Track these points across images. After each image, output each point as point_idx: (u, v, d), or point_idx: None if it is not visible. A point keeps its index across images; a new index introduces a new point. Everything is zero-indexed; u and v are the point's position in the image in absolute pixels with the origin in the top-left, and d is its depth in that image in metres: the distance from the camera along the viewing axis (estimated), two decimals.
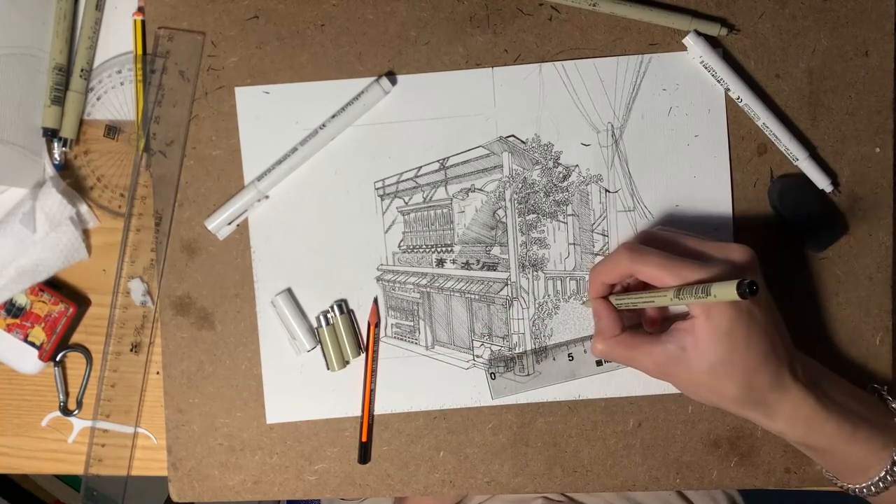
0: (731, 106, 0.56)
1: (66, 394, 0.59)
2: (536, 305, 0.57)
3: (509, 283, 0.57)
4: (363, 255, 0.57)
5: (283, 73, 0.56)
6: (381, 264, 0.57)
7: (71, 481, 1.20)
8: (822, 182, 0.55)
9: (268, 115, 0.56)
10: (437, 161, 0.56)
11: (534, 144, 0.56)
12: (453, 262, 0.57)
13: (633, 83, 0.56)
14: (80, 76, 0.57)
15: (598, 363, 0.57)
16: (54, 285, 0.58)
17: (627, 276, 0.50)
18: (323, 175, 0.56)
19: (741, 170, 0.56)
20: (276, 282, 0.56)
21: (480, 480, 0.57)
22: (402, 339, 0.57)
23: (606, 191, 0.56)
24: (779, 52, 0.55)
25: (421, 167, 0.56)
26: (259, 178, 0.56)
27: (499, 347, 0.57)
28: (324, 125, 0.55)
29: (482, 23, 0.56)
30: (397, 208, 0.56)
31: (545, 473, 0.57)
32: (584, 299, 0.56)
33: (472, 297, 0.57)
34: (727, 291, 0.41)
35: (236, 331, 0.57)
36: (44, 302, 0.57)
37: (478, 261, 0.57)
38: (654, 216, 0.56)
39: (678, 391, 0.52)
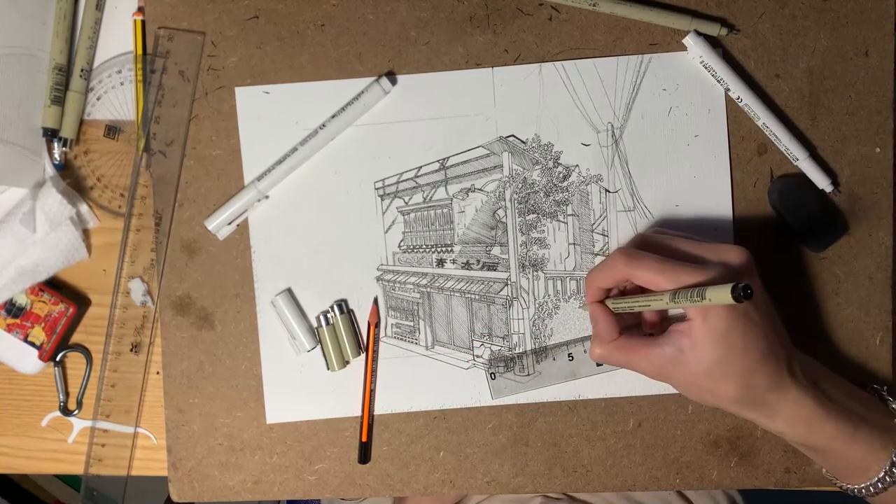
0: (731, 106, 0.56)
1: (66, 394, 0.59)
2: (536, 305, 0.57)
3: (509, 283, 0.57)
4: (363, 255, 0.57)
5: (283, 73, 0.56)
6: (381, 264, 0.57)
7: (71, 481, 1.20)
8: (822, 182, 0.55)
9: (268, 115, 0.56)
10: (437, 161, 0.56)
11: (534, 144, 0.56)
12: (453, 262, 0.57)
13: (633, 83, 0.56)
14: (80, 76, 0.57)
15: (599, 363, 0.57)
16: (54, 285, 0.58)
17: (623, 281, 0.50)
18: (323, 175, 0.56)
19: (741, 170, 0.56)
20: (276, 282, 0.56)
21: (480, 480, 0.57)
22: (402, 339, 0.57)
23: (606, 191, 0.56)
24: (779, 52, 0.55)
25: (421, 167, 0.56)
26: (259, 178, 0.56)
27: (499, 347, 0.57)
28: (324, 125, 0.55)
29: (482, 23, 0.56)
30: (397, 208, 0.56)
31: (545, 473, 0.57)
32: (581, 303, 0.56)
33: (472, 297, 0.57)
34: (722, 295, 0.41)
35: (236, 331, 0.57)
36: (44, 302, 0.57)
37: (478, 261, 0.57)
38: (654, 216, 0.56)
39: (678, 391, 0.52)
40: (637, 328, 0.53)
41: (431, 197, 0.57)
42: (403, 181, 0.56)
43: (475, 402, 0.57)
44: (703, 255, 0.48)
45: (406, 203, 0.57)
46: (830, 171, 0.56)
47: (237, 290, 0.56)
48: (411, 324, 0.57)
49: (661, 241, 0.50)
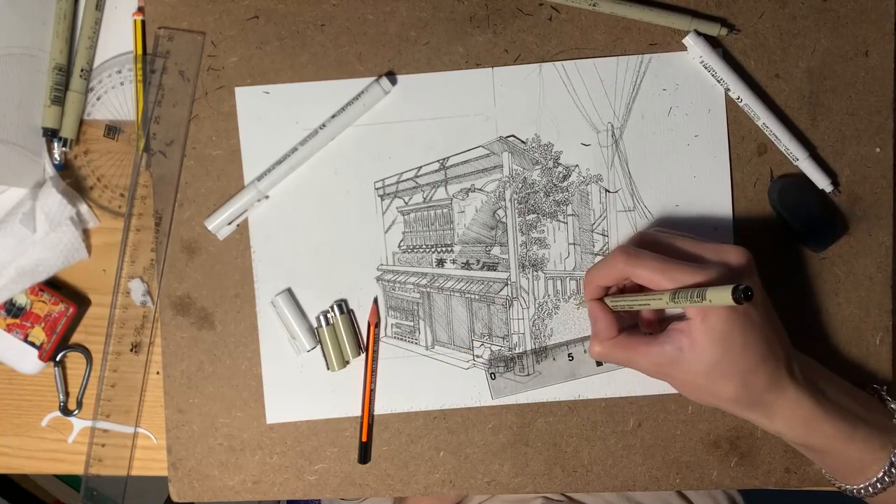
0: (731, 106, 0.56)
1: (66, 394, 0.59)
2: (536, 305, 0.57)
3: (509, 283, 0.57)
4: (363, 255, 0.57)
5: (283, 73, 0.56)
6: (381, 264, 0.57)
7: (71, 481, 1.20)
8: (822, 182, 0.55)
9: (268, 115, 0.56)
10: (437, 161, 0.56)
11: (534, 144, 0.56)
12: (453, 262, 0.57)
13: (633, 83, 0.56)
14: (80, 76, 0.57)
15: (598, 363, 0.57)
16: (54, 285, 0.58)
17: (623, 279, 0.50)
18: (323, 175, 0.56)
19: (741, 170, 0.56)
20: (276, 282, 0.56)
21: (480, 480, 0.57)
22: (402, 339, 0.57)
23: (606, 191, 0.56)
24: (779, 52, 0.55)
25: (421, 167, 0.56)
26: (259, 178, 0.56)
27: (499, 347, 0.57)
28: (324, 125, 0.55)
29: (482, 23, 0.56)
30: (397, 208, 0.56)
31: (545, 473, 0.57)
32: (579, 301, 0.56)
33: (472, 297, 0.57)
34: (722, 296, 0.41)
35: (236, 331, 0.57)
36: (44, 302, 0.57)
37: (478, 261, 0.57)
38: (654, 216, 0.56)
39: (677, 391, 0.52)
40: (635, 328, 0.53)
41: (431, 197, 0.57)
42: (403, 181, 0.56)
43: (475, 402, 0.57)
44: (703, 254, 0.48)
45: (406, 203, 0.57)
46: (830, 171, 0.56)
47: (237, 290, 0.56)
48: (411, 324, 0.57)
49: (662, 240, 0.50)
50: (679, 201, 0.56)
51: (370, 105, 0.55)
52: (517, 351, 0.57)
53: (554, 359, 0.57)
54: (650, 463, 0.57)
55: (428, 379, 0.57)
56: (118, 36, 0.58)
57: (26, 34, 0.55)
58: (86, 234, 0.58)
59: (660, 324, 0.53)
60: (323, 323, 0.56)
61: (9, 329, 0.57)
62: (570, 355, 0.57)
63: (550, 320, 0.57)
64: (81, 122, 0.58)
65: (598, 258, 0.56)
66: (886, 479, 0.49)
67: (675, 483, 0.57)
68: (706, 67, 0.55)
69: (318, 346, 0.57)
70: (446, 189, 0.56)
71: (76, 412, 0.59)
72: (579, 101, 0.56)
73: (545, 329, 0.57)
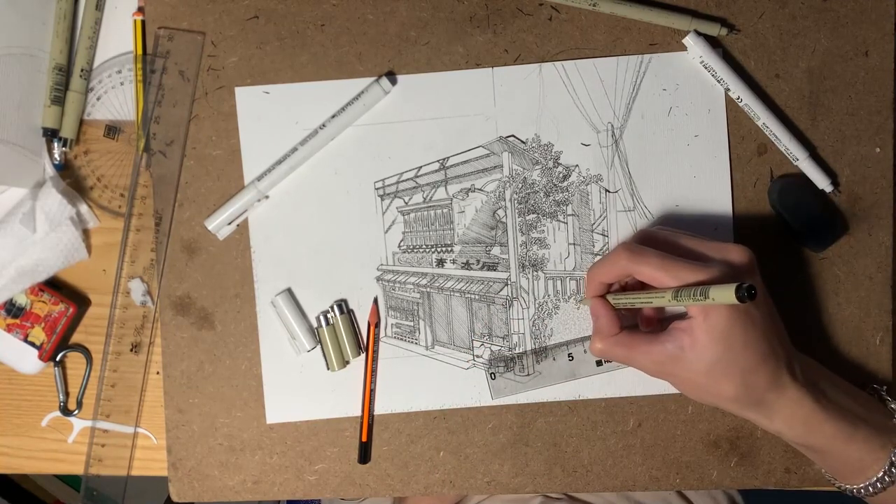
0: (731, 106, 0.56)
1: (66, 394, 0.59)
2: (536, 305, 0.57)
3: (509, 283, 0.57)
4: (363, 255, 0.57)
5: (283, 73, 0.56)
6: (381, 264, 0.57)
7: (71, 481, 1.20)
8: (822, 182, 0.55)
9: (268, 115, 0.56)
10: (437, 161, 0.56)
11: (534, 144, 0.56)
12: (453, 262, 0.57)
13: (633, 83, 0.56)
14: (80, 76, 0.57)
15: (598, 363, 0.57)
16: (54, 285, 0.58)
17: (625, 276, 0.50)
18: (323, 175, 0.56)
19: (741, 170, 0.56)
20: (276, 282, 0.56)
21: (480, 480, 0.57)
22: (402, 339, 0.57)
23: (606, 191, 0.56)
24: (779, 52, 0.55)
25: (421, 167, 0.56)
26: (259, 178, 0.56)
27: (499, 347, 0.57)
28: (324, 125, 0.55)
29: (482, 23, 0.56)
30: (397, 208, 0.56)
31: (545, 473, 0.57)
32: (580, 299, 0.56)
33: (472, 297, 0.57)
34: (726, 295, 0.41)
35: (236, 331, 0.57)
36: (44, 302, 0.57)
37: (478, 261, 0.57)
38: (654, 216, 0.56)
39: (678, 391, 0.52)
40: (635, 327, 0.53)
41: (431, 197, 0.57)
42: (403, 181, 0.56)
43: (475, 402, 0.57)
44: (705, 252, 0.48)
45: (406, 203, 0.57)
46: (830, 171, 0.56)
47: (237, 290, 0.56)
48: (411, 324, 0.57)
49: (664, 238, 0.50)
50: (679, 201, 0.56)
51: (370, 105, 0.55)
52: (517, 351, 0.57)
53: (554, 359, 0.57)
54: (650, 463, 0.57)
55: (428, 379, 0.57)
56: (118, 36, 0.58)
57: (26, 34, 0.55)
58: (86, 234, 0.58)
59: (659, 323, 0.53)
60: (323, 323, 0.56)
61: (9, 329, 0.57)
62: (570, 355, 0.57)
63: (550, 320, 0.57)
64: (81, 122, 0.58)
65: (599, 258, 0.56)
66: (886, 479, 0.49)
67: (675, 483, 0.57)
68: (706, 67, 0.55)
69: (318, 346, 0.57)
70: (446, 189, 0.56)
71: (76, 412, 0.59)
72: (579, 101, 0.56)
73: (545, 329, 0.57)
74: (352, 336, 0.56)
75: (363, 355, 0.57)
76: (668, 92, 0.56)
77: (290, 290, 0.57)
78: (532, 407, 0.57)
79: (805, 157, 0.55)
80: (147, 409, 0.59)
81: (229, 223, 0.56)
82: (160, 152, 0.56)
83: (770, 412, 0.49)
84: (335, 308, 0.56)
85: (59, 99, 0.57)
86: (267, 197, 0.56)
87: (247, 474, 0.57)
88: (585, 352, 0.57)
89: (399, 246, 0.57)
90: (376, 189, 0.56)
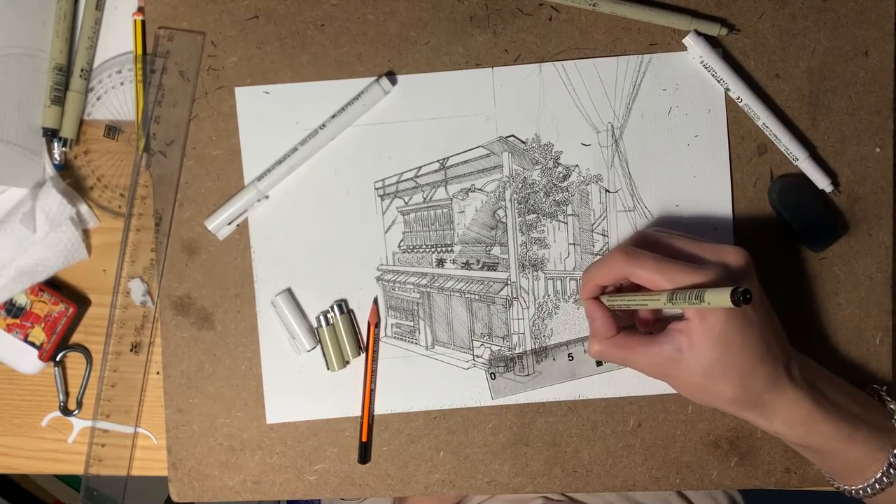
0: (731, 106, 0.56)
1: (66, 394, 0.59)
2: (536, 305, 0.57)
3: (509, 283, 0.57)
4: (363, 255, 0.57)
5: (283, 73, 0.56)
6: (381, 264, 0.57)
7: (71, 481, 1.20)
8: (822, 182, 0.55)
9: (268, 115, 0.56)
10: (437, 161, 0.56)
11: (534, 144, 0.56)
12: (453, 262, 0.57)
13: (633, 83, 0.56)
14: (80, 76, 0.57)
15: (598, 363, 0.57)
16: (54, 285, 0.58)
17: (621, 279, 0.50)
18: (323, 175, 0.56)
19: (741, 170, 0.56)
20: (276, 282, 0.56)
21: (480, 480, 0.57)
22: (402, 339, 0.57)
23: (606, 191, 0.56)
24: (779, 52, 0.55)
25: (421, 167, 0.56)
26: (259, 178, 0.56)
27: (499, 347, 0.57)
28: (324, 125, 0.55)
29: (482, 23, 0.56)
30: (397, 208, 0.57)
31: (545, 473, 0.57)
32: (576, 299, 0.56)
33: (472, 297, 0.57)
34: (721, 298, 0.41)
35: (236, 331, 0.57)
36: (44, 302, 0.57)
37: (478, 261, 0.57)
38: (654, 216, 0.56)
39: (676, 391, 0.52)
40: (632, 328, 0.53)
41: (431, 197, 0.57)
42: (403, 181, 0.56)
43: (475, 402, 0.57)
44: (702, 254, 0.48)
45: (406, 203, 0.57)
46: (830, 171, 0.56)
47: (237, 290, 0.56)
48: (411, 324, 0.57)
49: (661, 240, 0.50)
50: (679, 201, 0.56)
51: (370, 105, 0.55)
52: (517, 351, 0.57)
53: (554, 359, 0.57)
54: (650, 463, 0.57)
55: (428, 379, 0.57)
56: (118, 36, 0.58)
57: (26, 34, 0.55)
58: (86, 234, 0.58)
59: (656, 323, 0.53)
60: (323, 323, 0.56)
61: (9, 329, 0.57)
62: (570, 355, 0.57)
63: (550, 320, 0.57)
64: (81, 122, 0.58)
65: (598, 258, 0.56)
66: (885, 480, 0.49)
67: (675, 483, 0.57)
68: (706, 67, 0.55)
69: (318, 346, 0.57)
70: (446, 189, 0.56)
71: (76, 412, 0.59)
72: (579, 101, 0.56)
73: (545, 329, 0.57)
74: (352, 336, 0.56)
75: (363, 355, 0.57)
76: (668, 92, 0.56)
77: (290, 290, 0.57)
78: (532, 407, 0.57)
79: (805, 157, 0.55)
80: (147, 409, 0.59)
81: (229, 223, 0.56)
82: (160, 152, 0.56)
83: (769, 413, 0.49)
84: (335, 308, 0.56)
85: (59, 99, 0.57)
86: (267, 197, 0.56)
87: (247, 474, 0.57)
88: (585, 352, 0.57)
89: (399, 246, 0.57)
90: (376, 189, 0.56)
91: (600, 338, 0.51)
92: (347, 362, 0.57)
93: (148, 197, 0.57)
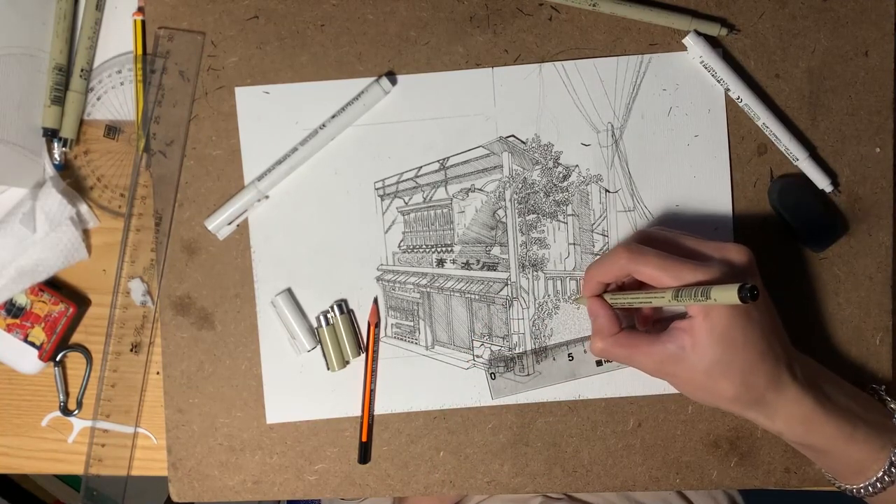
0: (731, 106, 0.56)
1: (66, 394, 0.59)
2: (536, 305, 0.57)
3: (509, 283, 0.57)
4: (363, 255, 0.57)
5: (283, 73, 0.56)
6: (381, 264, 0.57)
7: (71, 481, 1.20)
8: (822, 182, 0.55)
9: (268, 115, 0.56)
10: (437, 161, 0.56)
11: (534, 144, 0.56)
12: (453, 262, 0.57)
13: (633, 83, 0.56)
14: (80, 76, 0.57)
15: (598, 363, 0.57)
16: (54, 285, 0.58)
17: (624, 276, 0.50)
18: (323, 175, 0.56)
19: (741, 170, 0.56)
20: (276, 282, 0.56)
21: (480, 480, 0.57)
22: (402, 339, 0.57)
23: (606, 191, 0.56)
24: (779, 52, 0.55)
25: (421, 167, 0.56)
26: (259, 178, 0.56)
27: (499, 347, 0.57)
28: (324, 125, 0.55)
29: (482, 23, 0.56)
30: (397, 208, 0.57)
31: (545, 473, 0.57)
32: (577, 297, 0.56)
33: (472, 297, 0.57)
34: (728, 295, 0.41)
35: (236, 331, 0.57)
36: (44, 302, 0.57)
37: (478, 261, 0.57)
38: (654, 216, 0.56)
39: (678, 391, 0.52)
40: (632, 327, 0.53)
41: (431, 197, 0.57)
42: (403, 181, 0.56)
43: (475, 402, 0.57)
44: (705, 252, 0.48)
45: (406, 203, 0.57)
46: (830, 171, 0.56)
47: (237, 290, 0.56)
48: (411, 324, 0.57)
49: (664, 237, 0.50)
50: (679, 201, 0.56)
51: (370, 105, 0.55)
52: (517, 351, 0.57)
53: (554, 359, 0.57)
54: (650, 463, 0.57)
55: (428, 379, 0.57)
56: (118, 36, 0.58)
57: (26, 34, 0.55)
58: (86, 234, 0.58)
59: (656, 323, 0.53)
60: (323, 323, 0.56)
61: (9, 329, 0.57)
62: (570, 355, 0.57)
63: (550, 320, 0.57)
64: (81, 122, 0.58)
65: (601, 255, 0.56)
66: (886, 479, 0.49)
67: (675, 483, 0.57)
68: (706, 67, 0.55)
69: (318, 346, 0.57)
70: (446, 189, 0.56)
71: (76, 412, 0.59)
72: (579, 101, 0.56)
73: (545, 329, 0.57)
74: (352, 336, 0.56)
75: (363, 355, 0.57)
76: (668, 92, 0.56)
77: (290, 290, 0.57)
78: (532, 407, 0.57)
79: (805, 157, 0.55)
80: (147, 409, 0.59)
81: (229, 223, 0.56)
82: (160, 152, 0.56)
83: (770, 412, 0.49)
84: (335, 308, 0.56)
85: (59, 99, 0.57)
86: (267, 197, 0.56)
87: (247, 474, 0.57)
88: (585, 352, 0.57)
89: (399, 246, 0.57)
90: (376, 189, 0.56)
91: (603, 335, 0.51)
92: (347, 362, 0.57)
93: (148, 197, 0.57)
